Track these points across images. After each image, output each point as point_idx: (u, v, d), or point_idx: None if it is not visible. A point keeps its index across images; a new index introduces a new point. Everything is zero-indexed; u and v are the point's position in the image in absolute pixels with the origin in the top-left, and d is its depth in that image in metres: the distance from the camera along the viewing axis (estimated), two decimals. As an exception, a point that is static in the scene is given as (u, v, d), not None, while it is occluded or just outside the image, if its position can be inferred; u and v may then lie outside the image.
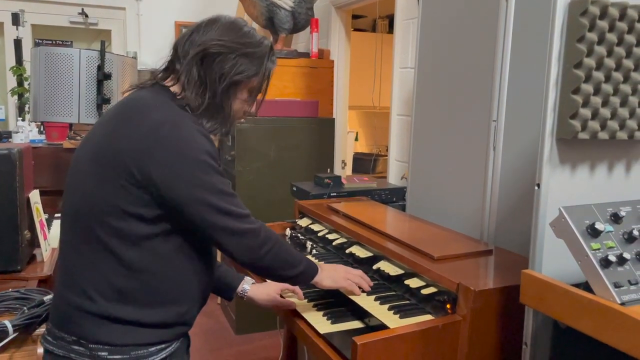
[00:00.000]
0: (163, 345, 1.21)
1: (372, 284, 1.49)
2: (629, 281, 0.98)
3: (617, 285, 0.97)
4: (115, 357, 1.15)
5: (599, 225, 1.01)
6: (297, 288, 1.53)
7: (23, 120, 4.08)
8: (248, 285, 1.54)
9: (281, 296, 1.53)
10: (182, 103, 1.23)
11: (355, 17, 4.65)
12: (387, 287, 1.51)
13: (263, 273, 1.35)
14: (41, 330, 1.45)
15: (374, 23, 5.07)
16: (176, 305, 1.21)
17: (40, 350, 1.38)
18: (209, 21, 1.27)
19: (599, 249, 1.00)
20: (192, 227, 1.18)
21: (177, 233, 1.18)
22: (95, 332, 1.15)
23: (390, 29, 4.52)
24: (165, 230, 1.17)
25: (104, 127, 1.22)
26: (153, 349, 1.19)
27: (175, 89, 1.25)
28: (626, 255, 1.00)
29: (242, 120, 1.40)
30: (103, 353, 1.15)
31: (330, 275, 1.42)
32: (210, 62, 1.22)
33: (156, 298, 1.18)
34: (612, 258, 0.99)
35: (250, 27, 1.32)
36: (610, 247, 1.02)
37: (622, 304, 0.95)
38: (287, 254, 1.32)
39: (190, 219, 1.17)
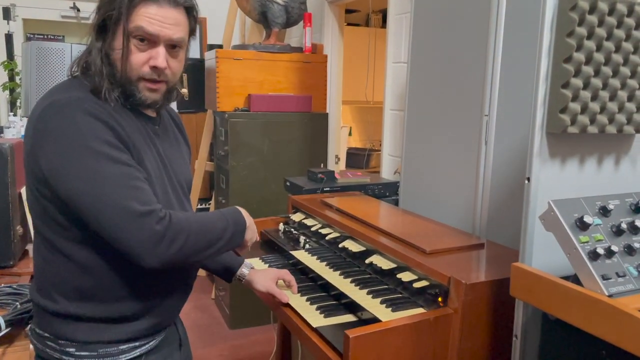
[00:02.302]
0: (136, 343, 1.19)
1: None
2: (616, 273, 0.99)
3: (605, 278, 0.98)
4: (82, 353, 1.14)
5: (587, 219, 1.02)
6: (292, 281, 1.54)
7: (15, 115, 4.06)
8: (247, 270, 1.54)
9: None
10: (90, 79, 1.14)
11: (348, 11, 4.65)
12: (379, 281, 1.52)
13: (187, 263, 1.20)
14: (34, 325, 1.46)
15: (367, 17, 5.07)
16: (137, 299, 1.17)
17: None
18: None
19: (587, 242, 1.01)
20: (92, 230, 1.07)
21: None
22: (62, 330, 1.15)
23: (384, 23, 4.53)
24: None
25: None
26: (124, 346, 1.17)
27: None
28: (614, 248, 1.01)
29: (155, 76, 1.15)
30: (71, 349, 1.15)
31: (252, 230, 1.29)
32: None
33: (115, 294, 1.15)
34: (601, 251, 1.00)
35: None
36: (599, 240, 1.03)
37: (610, 295, 0.96)
38: (207, 232, 1.15)
39: (84, 218, 1.06)
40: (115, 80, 1.13)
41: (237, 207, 1.30)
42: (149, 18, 1.10)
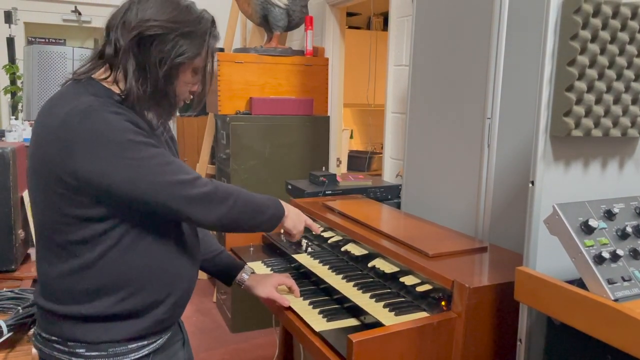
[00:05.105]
0: (144, 342, 1.20)
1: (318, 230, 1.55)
2: (622, 277, 0.99)
3: (610, 282, 0.97)
4: (92, 353, 1.15)
5: (592, 222, 1.02)
6: (294, 285, 1.53)
7: (16, 119, 4.06)
8: (247, 275, 1.55)
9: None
10: (110, 91, 1.16)
11: (349, 14, 4.65)
12: (382, 285, 1.51)
13: (234, 229, 1.30)
14: (36, 330, 1.45)
15: (369, 20, 5.07)
16: (146, 292, 1.19)
17: (36, 350, 1.38)
18: None
19: (592, 246, 1.01)
20: (150, 211, 1.14)
21: (133, 224, 1.15)
22: (71, 332, 1.16)
23: (385, 26, 4.53)
24: (120, 225, 1.14)
25: (32, 135, 1.18)
26: (133, 345, 1.18)
27: (110, 78, 1.17)
28: (619, 252, 1.00)
29: (191, 99, 1.29)
30: (81, 350, 1.16)
31: (293, 220, 1.41)
32: (147, 46, 1.13)
33: (125, 289, 1.16)
34: (606, 255, 0.99)
35: (189, 0, 1.21)
36: (604, 244, 1.02)
37: (616, 300, 0.95)
38: (252, 203, 1.28)
39: (142, 204, 1.13)
40: (170, 105, 1.21)
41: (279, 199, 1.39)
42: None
